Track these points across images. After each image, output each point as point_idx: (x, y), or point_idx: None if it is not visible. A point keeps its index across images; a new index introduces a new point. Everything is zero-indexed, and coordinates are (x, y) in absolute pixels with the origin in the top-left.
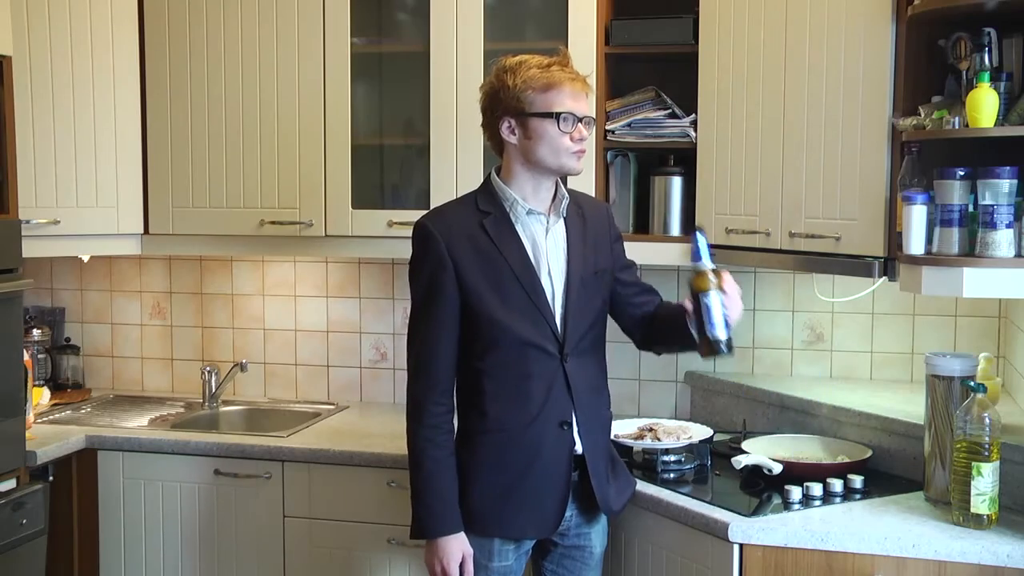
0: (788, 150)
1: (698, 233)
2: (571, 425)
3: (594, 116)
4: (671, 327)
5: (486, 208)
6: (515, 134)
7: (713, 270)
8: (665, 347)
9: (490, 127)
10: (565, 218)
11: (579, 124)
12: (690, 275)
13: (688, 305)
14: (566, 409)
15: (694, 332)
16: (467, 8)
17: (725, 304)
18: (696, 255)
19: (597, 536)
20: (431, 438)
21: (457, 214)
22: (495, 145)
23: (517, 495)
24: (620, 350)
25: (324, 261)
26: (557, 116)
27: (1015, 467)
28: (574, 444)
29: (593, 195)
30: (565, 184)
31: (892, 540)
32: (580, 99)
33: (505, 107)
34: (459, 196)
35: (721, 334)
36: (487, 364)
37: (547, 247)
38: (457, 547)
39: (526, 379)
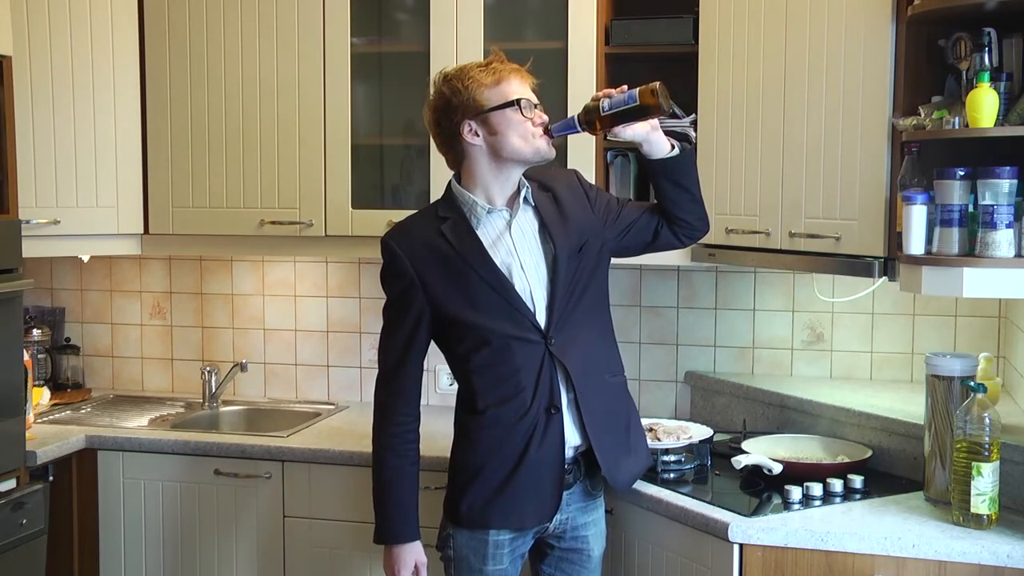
0: (788, 150)
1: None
2: (560, 408)
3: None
4: (659, 190)
5: (445, 214)
6: (479, 135)
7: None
8: (676, 205)
9: (448, 138)
10: (535, 206)
11: (536, 109)
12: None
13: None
14: (555, 393)
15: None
16: (467, 8)
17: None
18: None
19: (595, 539)
20: (392, 446)
21: (417, 227)
22: (453, 156)
23: (513, 485)
24: (620, 350)
25: (324, 261)
26: (517, 103)
27: (1015, 467)
28: (565, 427)
29: None
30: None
31: (892, 540)
32: (527, 85)
33: (463, 111)
34: (420, 209)
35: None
36: (474, 364)
37: (513, 240)
38: (410, 556)
39: (515, 372)
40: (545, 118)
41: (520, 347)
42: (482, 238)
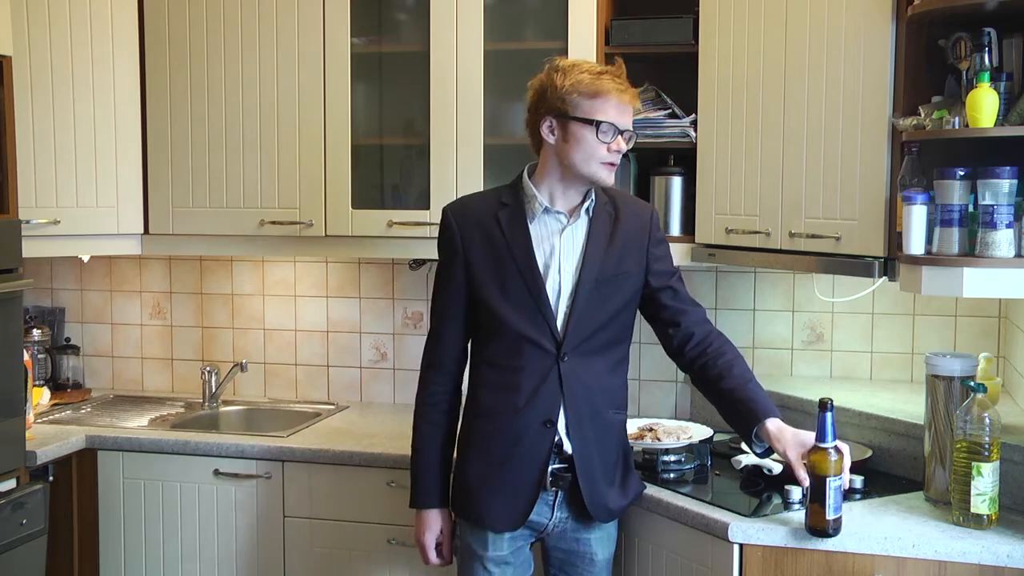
0: (788, 150)
1: (827, 413)
2: (555, 424)
3: (634, 131)
4: (732, 409)
5: (506, 200)
6: (554, 134)
7: (834, 447)
8: (717, 409)
9: (532, 124)
10: (592, 218)
11: (619, 136)
12: (812, 451)
13: (803, 476)
14: (553, 408)
15: (804, 501)
16: (467, 8)
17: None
18: (822, 434)
19: (599, 543)
20: (424, 414)
21: (478, 204)
22: (534, 143)
23: (491, 484)
24: None
25: (324, 261)
26: (597, 124)
27: (1015, 467)
28: (557, 444)
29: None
30: (614, 189)
31: (892, 540)
32: (625, 112)
33: (549, 106)
34: (491, 188)
35: (836, 516)
36: (487, 353)
37: (560, 246)
38: (435, 521)
39: (517, 371)
40: (623, 148)
41: (531, 350)
42: (532, 234)
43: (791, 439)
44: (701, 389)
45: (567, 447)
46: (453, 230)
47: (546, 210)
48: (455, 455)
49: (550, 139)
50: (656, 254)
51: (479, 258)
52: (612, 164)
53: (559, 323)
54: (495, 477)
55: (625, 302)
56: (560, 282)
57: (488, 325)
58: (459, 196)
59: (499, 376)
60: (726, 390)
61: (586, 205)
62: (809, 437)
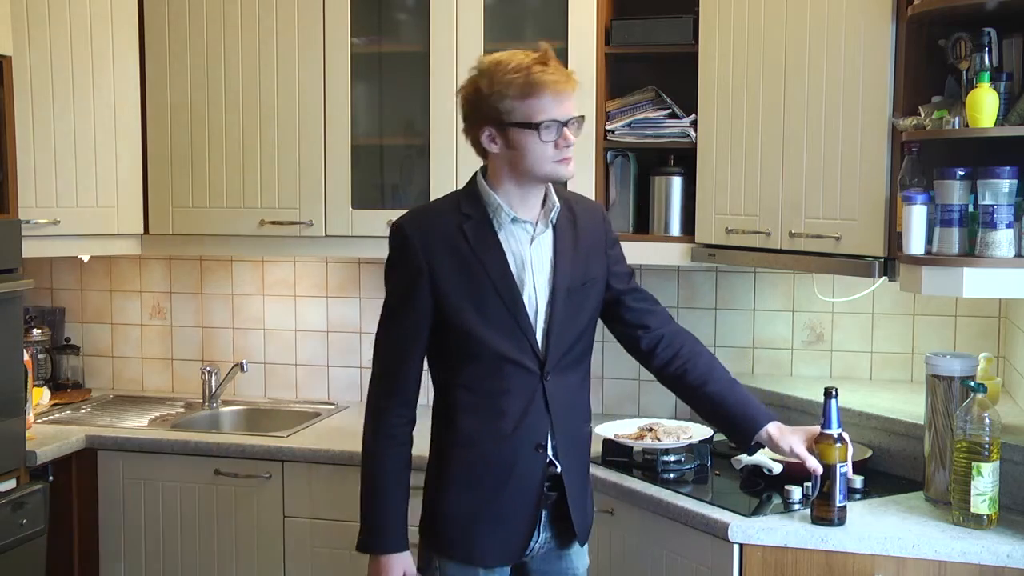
0: (788, 150)
1: (832, 400)
2: (546, 447)
3: (582, 114)
4: (725, 418)
5: (468, 211)
6: (496, 143)
7: (839, 434)
8: (697, 411)
9: (470, 135)
10: (555, 225)
11: (565, 129)
12: (816, 438)
13: (814, 463)
14: (543, 430)
15: (809, 492)
16: (467, 8)
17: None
18: (828, 421)
19: (578, 556)
20: (385, 449)
21: (437, 216)
22: (478, 152)
23: (484, 517)
24: (619, 349)
25: (324, 261)
26: (538, 127)
27: (1015, 467)
28: (549, 467)
29: (593, 196)
30: (560, 187)
31: (892, 540)
32: (564, 100)
33: (483, 115)
34: (441, 196)
35: (842, 504)
36: (462, 377)
37: (531, 258)
38: (398, 566)
39: (502, 395)
40: (572, 140)
41: (514, 371)
42: (503, 246)
43: (795, 434)
44: (677, 392)
45: (557, 468)
46: (414, 247)
47: (513, 220)
48: (427, 488)
49: (493, 149)
50: (613, 256)
51: (447, 276)
52: (566, 160)
53: (539, 340)
54: (486, 509)
55: (592, 312)
56: (536, 297)
57: (463, 348)
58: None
59: (480, 401)
60: (714, 394)
61: (552, 214)
62: (806, 430)
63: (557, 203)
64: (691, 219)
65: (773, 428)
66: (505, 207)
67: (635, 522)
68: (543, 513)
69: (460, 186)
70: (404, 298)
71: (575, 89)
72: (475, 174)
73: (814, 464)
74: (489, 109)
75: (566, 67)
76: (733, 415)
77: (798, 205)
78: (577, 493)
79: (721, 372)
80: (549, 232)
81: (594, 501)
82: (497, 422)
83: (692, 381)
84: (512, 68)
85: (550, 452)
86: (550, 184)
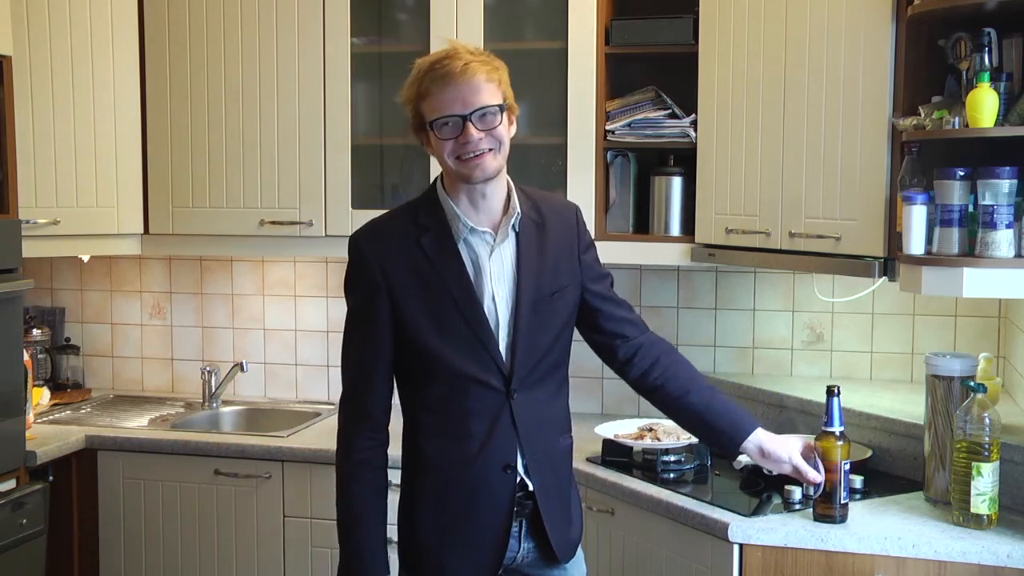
0: (788, 150)
1: (835, 398)
2: (515, 468)
3: (495, 103)
4: (711, 427)
5: (426, 223)
6: (430, 150)
7: (842, 433)
8: (677, 421)
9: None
10: (518, 232)
11: (468, 123)
12: (818, 436)
13: (815, 476)
14: (510, 450)
15: (811, 491)
16: (467, 8)
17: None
18: (830, 419)
19: (574, 566)
20: (357, 475)
21: (392, 230)
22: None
23: (453, 542)
24: None
25: (324, 261)
26: (431, 125)
27: (1015, 467)
28: (518, 488)
29: (593, 196)
30: (531, 187)
31: (892, 540)
32: (457, 95)
33: (412, 124)
34: (398, 206)
35: (845, 501)
36: (424, 397)
37: (491, 270)
38: None
39: (465, 416)
40: (473, 136)
41: (477, 391)
42: (463, 258)
43: (787, 445)
44: (656, 402)
45: (529, 486)
46: (369, 264)
47: (471, 230)
48: (399, 512)
49: (431, 153)
50: (588, 260)
51: (405, 292)
52: (472, 157)
53: (503, 357)
54: (456, 534)
55: (564, 321)
56: (497, 311)
57: (424, 367)
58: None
59: (444, 423)
60: (697, 403)
61: (512, 222)
62: (801, 440)
63: (519, 208)
64: (691, 219)
65: (763, 436)
66: (462, 216)
67: (635, 522)
68: (522, 522)
69: None
70: (363, 316)
71: (474, 77)
72: (435, 181)
73: (815, 476)
74: (411, 117)
75: (565, 68)
76: (719, 423)
77: (798, 205)
78: (554, 510)
79: (701, 380)
80: (511, 240)
81: (590, 505)
82: (462, 444)
83: (673, 391)
84: (415, 71)
85: (521, 471)
86: (512, 187)
